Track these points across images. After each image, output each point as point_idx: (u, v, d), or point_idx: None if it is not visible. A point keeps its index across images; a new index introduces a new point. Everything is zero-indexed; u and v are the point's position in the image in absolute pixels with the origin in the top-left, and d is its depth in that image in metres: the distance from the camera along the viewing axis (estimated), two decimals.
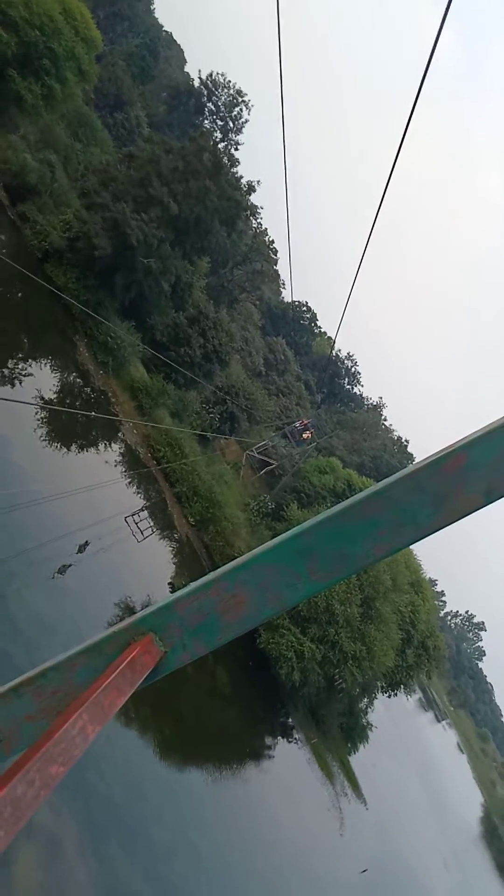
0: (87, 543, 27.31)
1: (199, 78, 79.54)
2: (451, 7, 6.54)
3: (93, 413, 34.57)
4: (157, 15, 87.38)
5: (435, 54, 7.56)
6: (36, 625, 21.63)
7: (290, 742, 43.41)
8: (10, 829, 0.89)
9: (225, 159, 45.58)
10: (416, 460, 1.33)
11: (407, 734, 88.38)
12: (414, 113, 8.83)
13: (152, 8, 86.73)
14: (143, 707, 24.29)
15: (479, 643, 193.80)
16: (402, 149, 9.73)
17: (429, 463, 1.21)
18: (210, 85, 78.45)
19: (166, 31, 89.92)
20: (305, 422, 67.91)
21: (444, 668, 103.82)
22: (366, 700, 51.10)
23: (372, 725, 53.90)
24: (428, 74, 7.95)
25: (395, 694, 52.97)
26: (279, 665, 36.70)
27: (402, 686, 50.29)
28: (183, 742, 28.47)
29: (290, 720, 44.51)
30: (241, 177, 50.32)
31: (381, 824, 51.00)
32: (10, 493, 23.61)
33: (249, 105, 79.54)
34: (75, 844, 17.52)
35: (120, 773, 21.30)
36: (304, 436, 65.55)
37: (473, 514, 1.24)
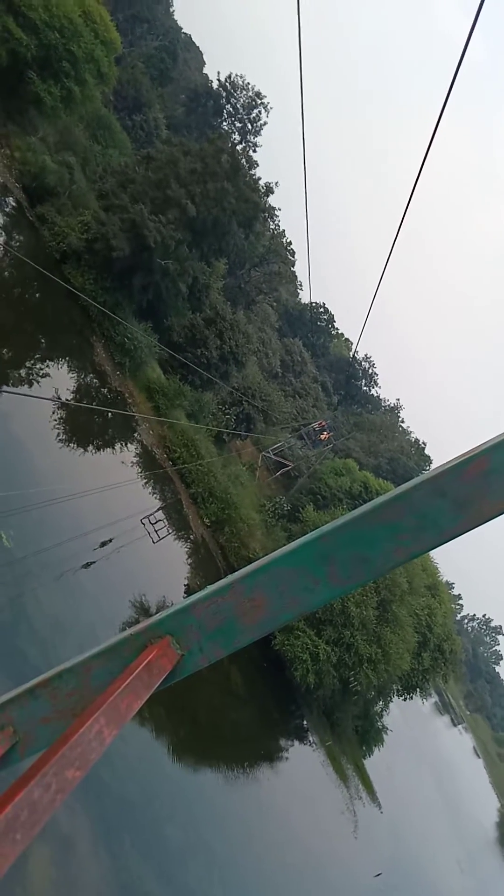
0: (110, 540, 28.25)
1: (218, 80, 79.74)
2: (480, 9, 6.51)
3: (109, 411, 34.76)
4: (176, 17, 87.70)
5: (461, 62, 7.52)
6: (52, 624, 21.75)
7: (304, 744, 43.33)
8: (26, 833, 0.89)
9: (243, 161, 45.54)
10: (434, 463, 1.30)
11: (422, 738, 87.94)
12: (442, 118, 8.79)
13: (171, 10, 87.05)
14: (158, 707, 24.34)
15: (497, 647, 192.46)
16: (428, 154, 9.67)
17: (450, 467, 1.19)
18: (228, 87, 78.58)
19: (185, 34, 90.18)
20: (323, 423, 67.89)
21: (460, 672, 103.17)
22: (381, 703, 50.91)
23: (387, 729, 53.68)
24: (456, 78, 7.91)
25: (411, 697, 52.72)
26: (294, 667, 36.65)
27: (417, 689, 50.06)
28: (197, 742, 28.51)
29: (304, 722, 44.43)
30: (259, 178, 50.23)
31: (396, 828, 50.77)
32: (27, 492, 23.75)
33: (268, 107, 79.71)
34: (89, 843, 17.59)
35: (134, 772, 21.36)
36: (322, 436, 65.54)
37: (495, 519, 1.22)
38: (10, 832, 0.85)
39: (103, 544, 27.92)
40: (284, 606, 1.32)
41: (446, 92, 8.20)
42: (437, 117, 8.73)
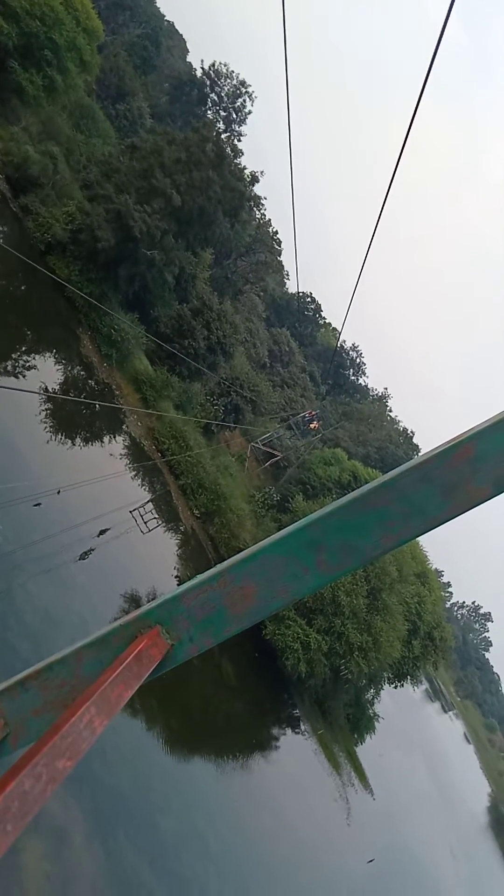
0: (108, 529, 28.81)
1: (202, 68, 79.17)
2: None
3: (97, 404, 34.58)
4: (158, 4, 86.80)
5: (441, 40, 7.42)
6: (42, 616, 21.66)
7: (296, 733, 43.53)
8: (17, 824, 0.89)
9: (228, 150, 45.27)
10: (423, 451, 1.33)
11: (413, 725, 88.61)
12: (419, 105, 8.70)
13: None
14: (150, 698, 24.34)
15: (486, 634, 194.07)
16: (408, 139, 9.59)
17: (437, 454, 1.22)
18: (213, 75, 78.01)
19: (168, 21, 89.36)
20: (313, 412, 67.91)
21: (450, 659, 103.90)
22: (372, 691, 51.19)
23: (378, 716, 54.02)
24: (434, 62, 7.81)
25: (402, 685, 53.08)
26: (285, 656, 36.76)
27: (408, 677, 50.37)
28: (189, 733, 28.55)
29: (296, 711, 44.61)
30: (245, 167, 49.98)
31: (388, 814, 51.18)
32: (14, 486, 23.59)
33: (253, 96, 79.20)
34: (82, 835, 17.57)
35: (127, 764, 21.36)
36: (312, 426, 65.56)
37: (481, 504, 1.24)
38: (2, 823, 0.87)
39: (101, 533, 28.27)
40: (274, 595, 1.34)
41: (425, 75, 8.11)
42: (417, 100, 8.64)
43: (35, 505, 24.15)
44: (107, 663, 1.33)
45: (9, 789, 0.89)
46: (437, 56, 7.56)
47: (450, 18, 7.14)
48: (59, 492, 26.42)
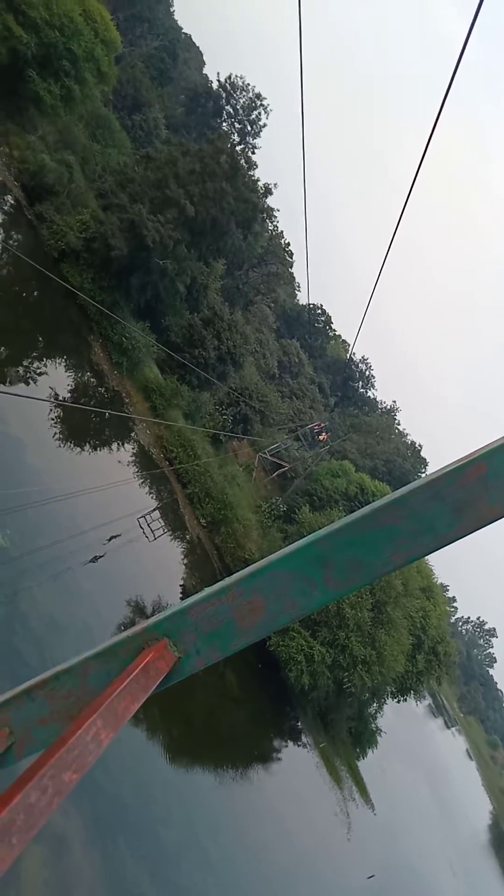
0: (118, 535, 29.33)
1: (218, 80, 79.68)
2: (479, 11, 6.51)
3: (106, 412, 34.72)
4: (176, 17, 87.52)
5: (461, 60, 7.52)
6: (48, 623, 21.70)
7: (298, 746, 43.31)
8: (23, 837, 0.88)
9: (242, 161, 45.52)
10: (431, 466, 1.32)
11: (416, 740, 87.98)
12: (438, 123, 8.78)
13: (172, 10, 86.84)
14: (152, 708, 24.29)
15: (490, 650, 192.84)
16: (425, 156, 9.68)
17: (448, 472, 1.20)
18: (228, 87, 78.55)
19: (185, 34, 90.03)
20: (322, 424, 67.94)
21: (454, 675, 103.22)
22: (375, 705, 50.91)
23: (381, 730, 53.69)
24: (453, 82, 7.90)
25: (405, 699, 52.74)
26: (289, 668, 36.63)
27: (411, 691, 50.07)
28: (191, 744, 28.47)
29: (298, 724, 44.41)
30: (258, 179, 50.20)
31: (389, 830, 50.78)
32: (22, 491, 23.69)
33: (268, 109, 79.68)
34: (82, 844, 17.54)
35: (128, 773, 21.31)
36: (321, 438, 65.58)
37: (493, 523, 1.23)
38: (6, 836, 0.85)
39: (111, 539, 28.62)
40: (281, 609, 1.33)
41: (444, 92, 8.20)
42: (436, 118, 8.73)
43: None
44: (114, 675, 1.33)
45: (14, 802, 0.89)
46: (454, 80, 7.66)
47: (470, 35, 7.25)
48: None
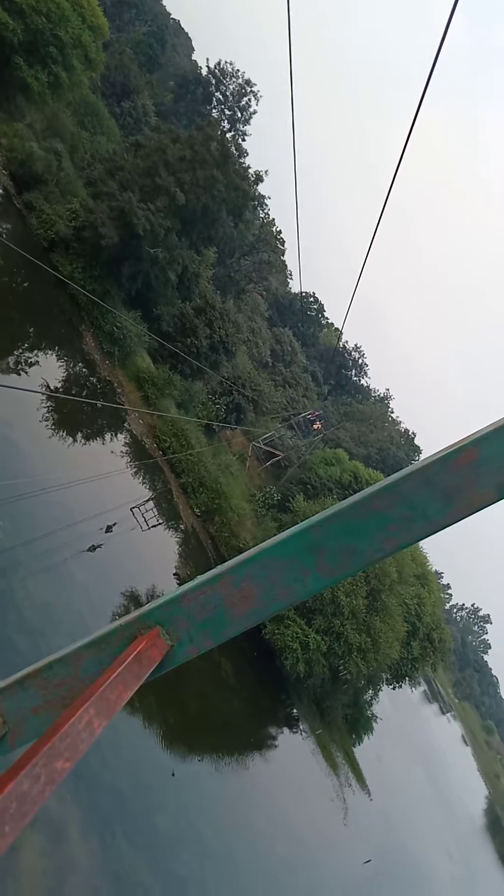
0: (115, 524, 29.44)
1: (207, 66, 79.20)
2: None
3: (98, 403, 34.58)
4: (164, 2, 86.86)
5: (442, 45, 7.41)
6: (41, 613, 21.66)
7: (294, 733, 43.52)
8: (15, 825, 0.89)
9: (232, 149, 45.25)
10: (424, 453, 1.28)
11: (411, 726, 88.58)
12: (422, 105, 8.69)
13: None
14: (148, 696, 24.34)
15: (485, 636, 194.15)
16: (409, 139, 9.58)
17: (440, 458, 1.21)
18: (218, 74, 78.07)
19: (174, 19, 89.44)
20: (316, 413, 68.04)
21: (449, 661, 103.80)
22: (370, 692, 51.21)
23: (377, 717, 54.00)
24: (436, 61, 7.80)
25: (400, 686, 53.05)
26: (284, 656, 36.75)
27: (407, 678, 50.37)
28: (187, 732, 28.56)
29: (294, 711, 44.62)
30: (249, 167, 50.00)
31: (385, 815, 51.16)
32: (15, 482, 23.60)
33: (258, 95, 79.27)
34: (79, 832, 17.57)
35: (124, 762, 21.36)
36: (315, 426, 65.68)
37: (484, 509, 1.24)
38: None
39: (108, 528, 28.85)
40: (274, 597, 1.34)
41: (427, 75, 8.10)
42: (420, 99, 8.63)
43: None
44: (106, 663, 1.34)
45: (7, 790, 0.89)
46: (438, 57, 7.55)
47: (453, 18, 7.13)
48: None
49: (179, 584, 1.38)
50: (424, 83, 8.20)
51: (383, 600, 40.37)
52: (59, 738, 1.02)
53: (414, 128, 8.92)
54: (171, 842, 21.85)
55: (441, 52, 7.54)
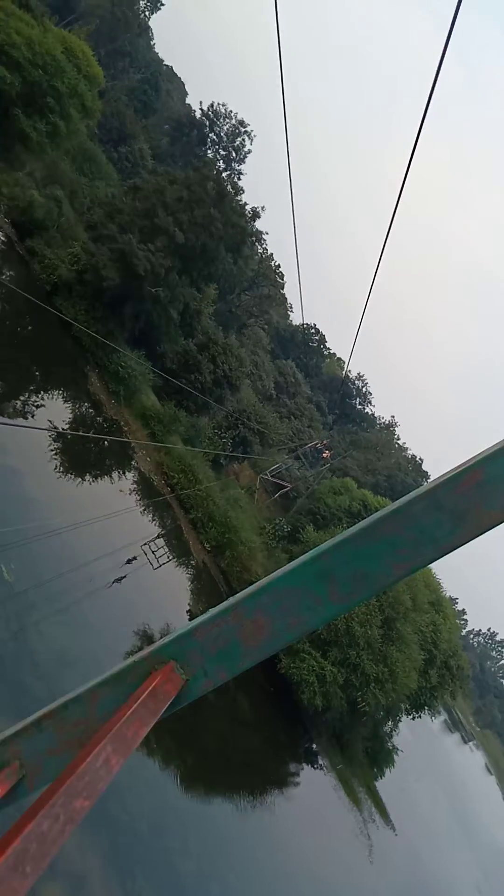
0: (134, 558, 30.57)
1: (201, 109, 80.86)
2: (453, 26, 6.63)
3: (105, 439, 34.79)
4: (157, 50, 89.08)
5: (437, 71, 7.65)
6: (55, 656, 21.55)
7: (314, 768, 42.81)
8: (36, 866, 0.87)
9: (228, 187, 46.03)
10: (432, 478, 1.33)
11: (433, 757, 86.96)
12: (417, 146, 8.93)
13: (152, 43, 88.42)
14: (165, 736, 24.07)
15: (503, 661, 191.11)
16: (407, 176, 9.81)
17: (445, 480, 1.20)
18: (211, 115, 79.69)
19: (167, 65, 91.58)
20: (325, 442, 68.32)
21: (468, 688, 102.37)
22: (390, 723, 50.34)
23: (397, 749, 53.06)
24: (432, 94, 8.04)
25: (420, 716, 52.15)
26: (301, 690, 36.31)
27: (426, 707, 49.50)
28: (206, 771, 28.14)
29: (313, 746, 43.93)
30: (246, 204, 50.73)
31: (411, 850, 50.02)
32: (23, 527, 23.67)
33: (252, 135, 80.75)
34: (99, 878, 17.29)
35: (143, 804, 21.05)
36: (324, 455, 65.97)
37: (493, 529, 1.23)
38: (20, 865, 0.85)
39: (129, 562, 29.83)
40: (287, 626, 1.31)
41: (423, 112, 8.34)
42: (416, 136, 8.87)
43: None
44: (122, 701, 1.31)
45: (27, 831, 0.88)
46: (433, 92, 7.79)
47: (445, 50, 7.38)
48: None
49: (192, 620, 1.41)
50: (419, 123, 8.43)
51: (398, 629, 39.94)
52: (76, 776, 1.01)
53: (407, 176, 9.15)
54: (193, 885, 21.45)
55: (433, 93, 7.79)
